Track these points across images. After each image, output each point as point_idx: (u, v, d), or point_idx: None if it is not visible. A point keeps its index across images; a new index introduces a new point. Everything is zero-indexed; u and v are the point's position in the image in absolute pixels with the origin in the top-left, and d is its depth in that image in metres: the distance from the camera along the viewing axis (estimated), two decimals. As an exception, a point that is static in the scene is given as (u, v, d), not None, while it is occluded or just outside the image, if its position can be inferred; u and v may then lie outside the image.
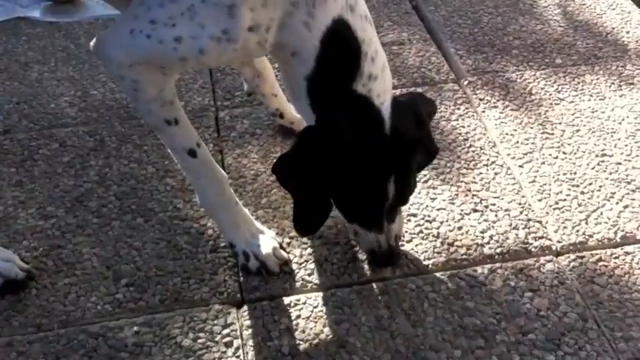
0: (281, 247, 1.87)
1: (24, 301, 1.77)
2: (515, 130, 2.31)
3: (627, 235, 1.94)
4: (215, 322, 1.71)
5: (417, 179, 2.10)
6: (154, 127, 1.72)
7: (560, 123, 2.33)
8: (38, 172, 2.17)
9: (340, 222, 1.89)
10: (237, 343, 1.66)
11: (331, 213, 1.73)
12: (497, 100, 2.44)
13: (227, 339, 1.67)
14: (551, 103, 2.42)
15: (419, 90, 2.45)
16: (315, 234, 1.88)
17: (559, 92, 2.47)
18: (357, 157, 1.59)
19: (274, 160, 2.14)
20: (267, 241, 1.85)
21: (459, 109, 2.41)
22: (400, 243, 1.90)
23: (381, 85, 1.59)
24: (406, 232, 1.94)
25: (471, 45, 2.75)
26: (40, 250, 1.91)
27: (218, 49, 1.50)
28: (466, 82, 2.53)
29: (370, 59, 1.56)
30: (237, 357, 1.63)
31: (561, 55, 2.67)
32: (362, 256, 1.87)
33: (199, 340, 1.67)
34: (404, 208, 2.00)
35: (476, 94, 2.47)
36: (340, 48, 1.54)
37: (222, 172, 1.82)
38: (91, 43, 1.66)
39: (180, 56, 1.51)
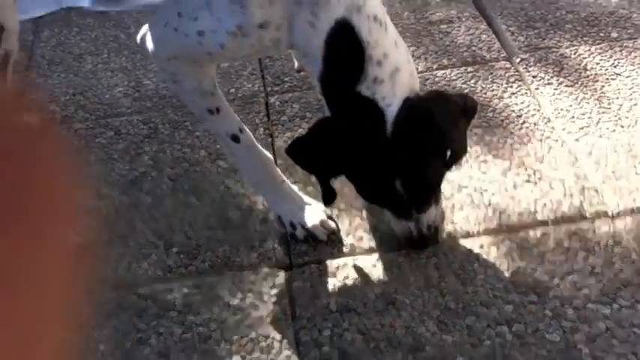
0: (330, 218, 1.87)
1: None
2: (571, 106, 2.26)
3: (688, 198, 1.87)
4: (263, 283, 1.72)
5: (468, 155, 2.08)
6: (198, 115, 1.78)
7: (617, 97, 2.27)
8: (94, 159, 2.22)
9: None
10: (285, 301, 1.67)
11: None
12: (552, 77, 2.39)
13: (275, 298, 1.67)
14: (607, 79, 2.37)
15: (469, 69, 2.44)
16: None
17: (615, 67, 2.41)
18: (359, 157, 1.58)
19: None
20: (315, 213, 1.86)
21: (511, 87, 2.37)
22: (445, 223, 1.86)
23: (387, 88, 1.54)
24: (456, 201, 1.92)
25: (522, 21, 2.70)
26: (94, 225, 1.94)
27: (235, 44, 1.51)
28: (518, 60, 2.49)
29: (376, 63, 1.52)
30: (285, 314, 1.63)
31: (617, 28, 2.60)
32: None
33: (247, 300, 1.67)
34: (456, 179, 1.98)
35: (529, 72, 2.43)
36: (342, 51, 1.51)
37: (267, 154, 1.85)
38: (138, 36, 1.71)
39: (206, 50, 1.54)
